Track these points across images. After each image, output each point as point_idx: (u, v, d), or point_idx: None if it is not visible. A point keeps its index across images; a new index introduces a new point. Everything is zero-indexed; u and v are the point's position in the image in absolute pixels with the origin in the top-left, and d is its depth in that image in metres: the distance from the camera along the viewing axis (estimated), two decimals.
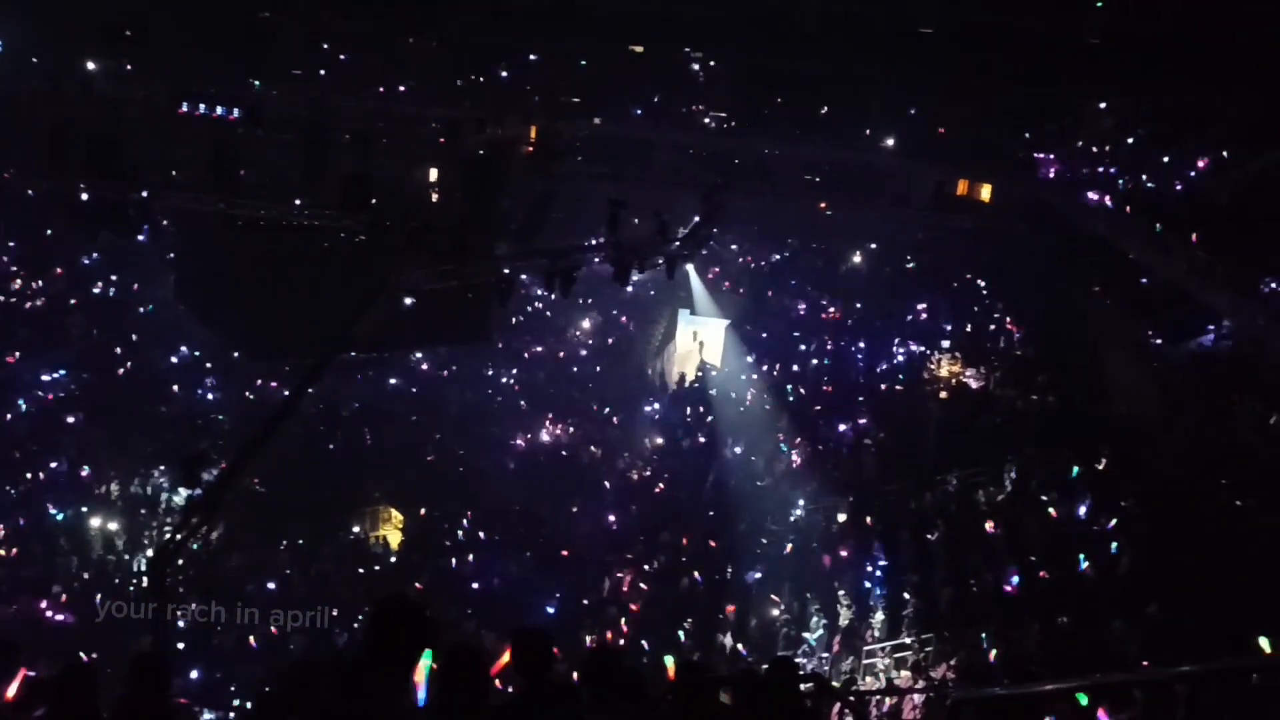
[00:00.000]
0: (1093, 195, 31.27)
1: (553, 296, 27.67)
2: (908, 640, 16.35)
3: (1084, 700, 9.30)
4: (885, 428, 24.60)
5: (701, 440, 27.19)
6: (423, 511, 23.22)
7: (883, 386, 27.76)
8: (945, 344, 28.75)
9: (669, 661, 9.84)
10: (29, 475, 22.82)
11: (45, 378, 26.92)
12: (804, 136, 36.33)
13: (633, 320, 35.05)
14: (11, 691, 7.24)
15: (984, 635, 14.66)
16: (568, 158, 27.58)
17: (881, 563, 18.96)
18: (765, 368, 30.24)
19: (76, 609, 18.53)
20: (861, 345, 30.29)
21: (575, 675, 6.28)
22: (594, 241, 24.49)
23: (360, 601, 19.11)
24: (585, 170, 28.42)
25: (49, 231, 28.73)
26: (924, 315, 31.27)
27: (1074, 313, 26.97)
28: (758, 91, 37.20)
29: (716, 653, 17.18)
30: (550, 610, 18.94)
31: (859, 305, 33.15)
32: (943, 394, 26.16)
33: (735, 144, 36.19)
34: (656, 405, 30.11)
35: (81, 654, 14.34)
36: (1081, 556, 16.13)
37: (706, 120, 37.25)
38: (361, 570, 20.60)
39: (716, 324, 32.30)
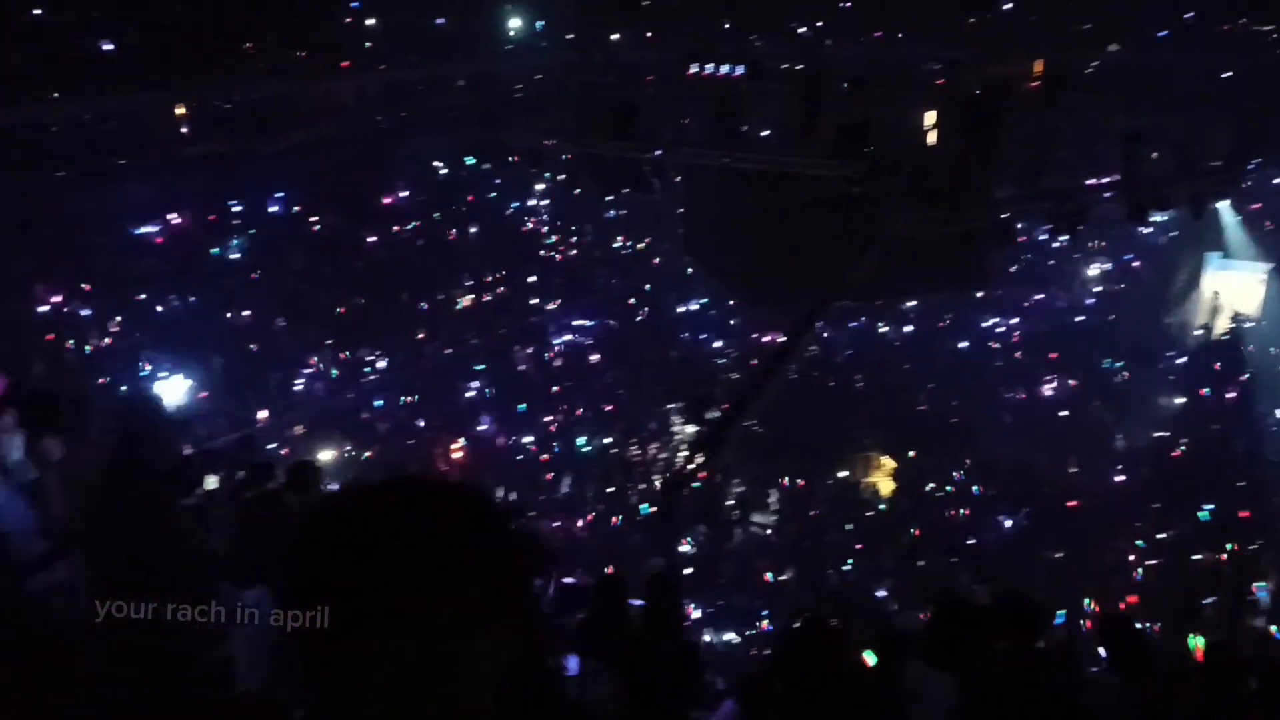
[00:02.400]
0: None
1: (1058, 242, 25.88)
2: None
3: None
4: None
5: (1231, 400, 24.12)
6: (912, 456, 22.99)
7: None
8: None
9: (1197, 642, 8.82)
10: (563, 408, 25.89)
11: (576, 323, 30.30)
12: None
13: (1149, 266, 31.81)
14: (549, 593, 8.23)
15: None
16: (1077, 91, 25.35)
17: None
18: None
19: (599, 528, 20.81)
20: None
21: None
22: (1106, 180, 22.43)
23: (850, 545, 19.48)
24: (1097, 103, 25.96)
25: (577, 191, 32.02)
26: None
27: None
28: None
29: (1243, 635, 15.27)
30: (1048, 572, 17.97)
31: None
32: None
33: None
34: (1176, 360, 27.16)
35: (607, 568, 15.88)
36: None
37: (1246, 37, 32.37)
38: (853, 515, 20.87)
39: (1254, 269, 28.27)
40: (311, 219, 28.95)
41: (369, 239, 29.64)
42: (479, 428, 24.75)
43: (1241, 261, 28.51)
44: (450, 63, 29.86)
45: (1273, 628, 15.58)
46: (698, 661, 5.40)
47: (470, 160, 30.69)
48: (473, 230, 31.75)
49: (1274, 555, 17.47)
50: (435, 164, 31.73)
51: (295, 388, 24.50)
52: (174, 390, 19.47)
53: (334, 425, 23.46)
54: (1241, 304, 28.18)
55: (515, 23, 32.02)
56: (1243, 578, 16.96)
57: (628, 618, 5.68)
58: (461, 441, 23.84)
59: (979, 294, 27.84)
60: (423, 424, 24.63)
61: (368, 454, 22.81)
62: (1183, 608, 16.05)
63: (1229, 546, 17.85)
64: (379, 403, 25.06)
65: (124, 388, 18.40)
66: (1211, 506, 19.32)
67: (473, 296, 29.43)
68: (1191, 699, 6.04)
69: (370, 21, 29.78)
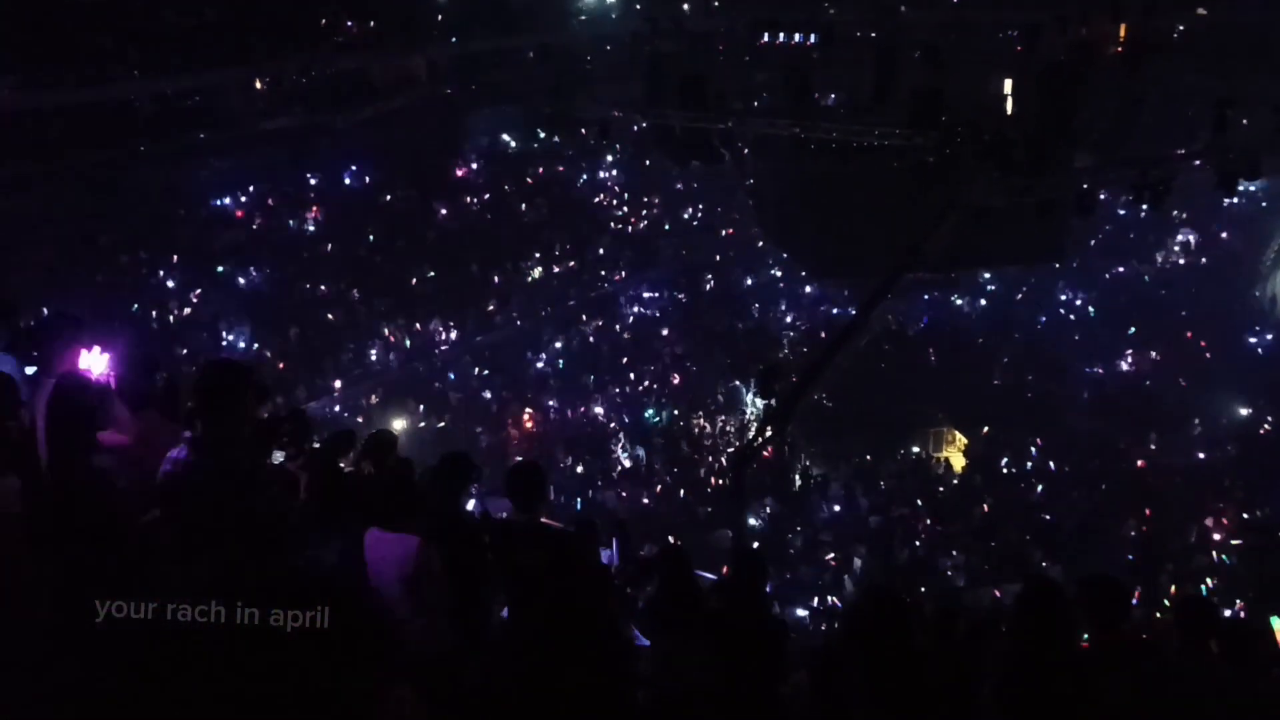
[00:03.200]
0: None
1: (1141, 212, 25.16)
2: None
3: None
4: None
5: None
6: (986, 432, 22.63)
7: None
8: None
9: (1277, 624, 8.58)
10: (631, 378, 25.97)
11: (645, 294, 30.30)
12: None
13: (1237, 237, 30.80)
14: (617, 563, 8.28)
15: None
16: (1164, 55, 24.52)
17: None
18: None
19: (667, 499, 20.86)
20: None
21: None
22: (1194, 148, 21.70)
23: (922, 520, 19.27)
24: (1185, 66, 25.12)
25: (647, 162, 31.93)
26: None
27: None
28: None
29: None
30: (1128, 554, 17.61)
31: None
32: None
33: None
34: (1265, 335, 26.32)
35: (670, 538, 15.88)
36: None
37: None
38: (924, 491, 20.63)
39: None
40: (385, 192, 29.28)
41: (441, 211, 29.90)
42: (548, 399, 24.93)
43: None
44: (520, 34, 29.89)
45: None
46: (786, 637, 5.39)
47: (540, 132, 30.83)
48: (542, 202, 31.86)
49: None
50: (505, 136, 31.85)
51: (370, 358, 24.89)
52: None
53: (407, 395, 23.83)
54: None
55: None
56: None
57: (699, 591, 5.69)
58: (531, 412, 24.06)
59: (1057, 266, 27.26)
60: (492, 395, 24.89)
61: (440, 424, 23.12)
62: (1268, 590, 15.62)
63: None
64: (451, 374, 25.37)
65: (204, 358, 18.86)
66: None
67: (543, 268, 29.57)
68: (1275, 685, 5.88)
69: None
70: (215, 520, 3.84)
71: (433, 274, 27.40)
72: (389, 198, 29.25)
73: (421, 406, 23.76)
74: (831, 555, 17.93)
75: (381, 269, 27.06)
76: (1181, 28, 30.97)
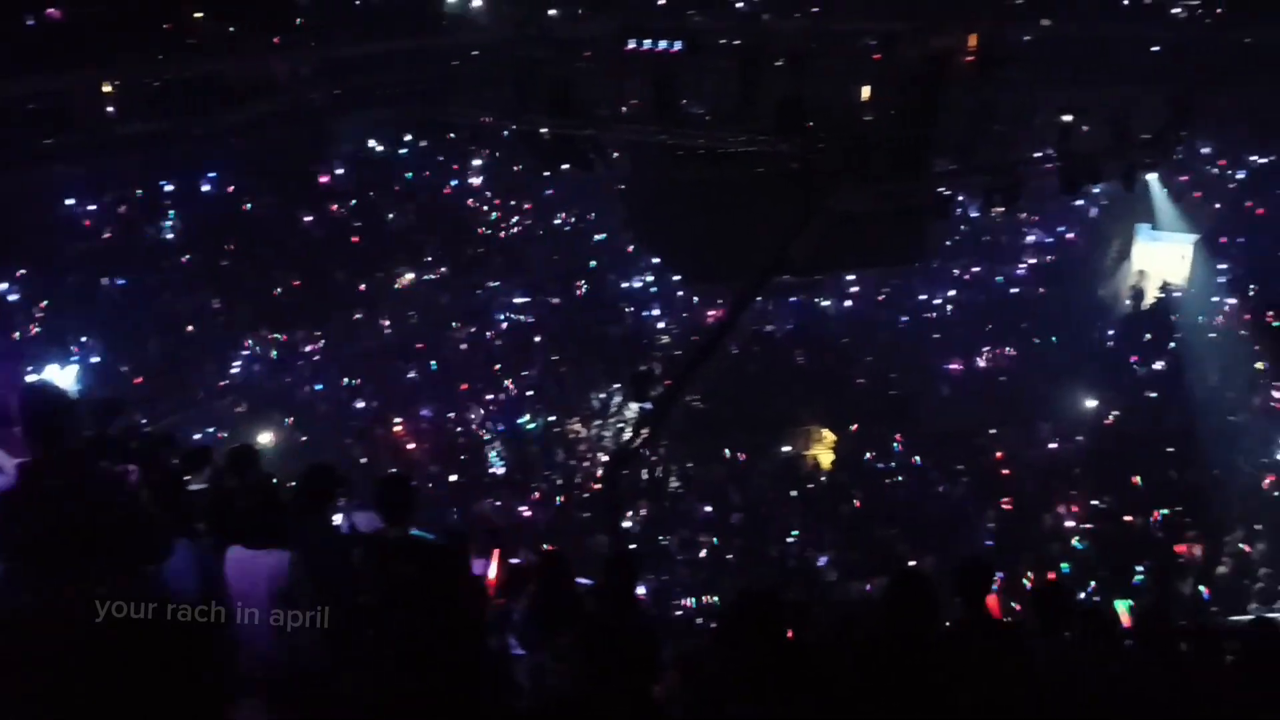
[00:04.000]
0: None
1: (993, 214, 26.25)
2: None
3: None
4: None
5: (1161, 369, 24.76)
6: (853, 429, 23.21)
7: None
8: None
9: (1122, 607, 9.07)
10: (504, 385, 25.79)
11: (517, 300, 30.11)
12: None
13: (1082, 238, 32.41)
14: (492, 573, 8.22)
15: None
16: (1012, 64, 25.66)
17: None
18: (1242, 290, 26.76)
19: (544, 506, 20.77)
20: None
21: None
22: (1041, 154, 22.80)
23: (794, 518, 19.66)
24: (1032, 77, 26.32)
25: (517, 168, 31.79)
26: None
27: None
28: None
29: (1173, 598, 15.73)
30: (988, 542, 18.33)
31: None
32: None
33: (1214, 35, 31.55)
34: (1108, 330, 27.75)
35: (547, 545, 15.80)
36: None
37: (1177, 10, 32.90)
38: (795, 488, 21.05)
39: (1182, 239, 28.89)
40: (245, 199, 28.39)
41: (305, 219, 29.15)
42: (420, 408, 24.55)
43: (1169, 233, 29.15)
44: (385, 39, 29.40)
45: (1201, 589, 16.06)
46: (656, 640, 5.43)
47: (407, 137, 30.40)
48: (410, 208, 31.37)
49: (1203, 519, 17.98)
50: (371, 142, 31.28)
51: (233, 370, 24.08)
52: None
53: (273, 408, 23.14)
54: (1170, 274, 28.81)
55: None
56: (1172, 542, 17.44)
57: (577, 596, 5.70)
58: (402, 421, 23.65)
59: (916, 267, 28.20)
60: (363, 405, 24.38)
61: (306, 437, 22.49)
62: (1115, 573, 16.47)
63: (1163, 511, 18.33)
64: (318, 384, 24.74)
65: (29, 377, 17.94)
66: (1143, 473, 19.83)
67: (412, 275, 29.11)
68: (1123, 664, 6.20)
69: None
70: (48, 548, 3.65)
71: (297, 282, 26.68)
72: (250, 205, 28.37)
73: (288, 419, 23.08)
74: (705, 554, 18.15)
75: (244, 278, 26.22)
76: (1028, 38, 32.47)
